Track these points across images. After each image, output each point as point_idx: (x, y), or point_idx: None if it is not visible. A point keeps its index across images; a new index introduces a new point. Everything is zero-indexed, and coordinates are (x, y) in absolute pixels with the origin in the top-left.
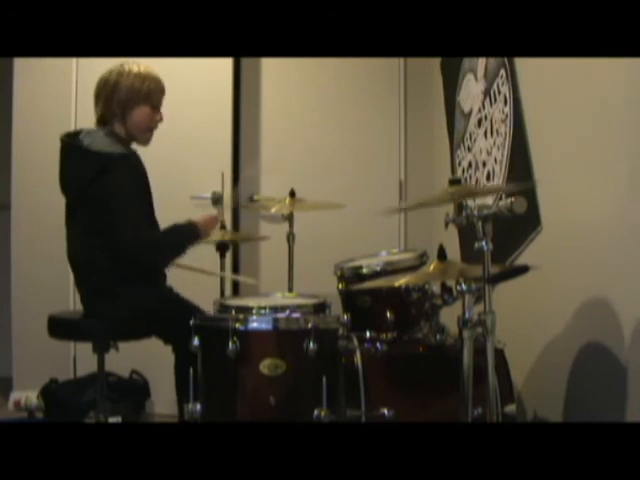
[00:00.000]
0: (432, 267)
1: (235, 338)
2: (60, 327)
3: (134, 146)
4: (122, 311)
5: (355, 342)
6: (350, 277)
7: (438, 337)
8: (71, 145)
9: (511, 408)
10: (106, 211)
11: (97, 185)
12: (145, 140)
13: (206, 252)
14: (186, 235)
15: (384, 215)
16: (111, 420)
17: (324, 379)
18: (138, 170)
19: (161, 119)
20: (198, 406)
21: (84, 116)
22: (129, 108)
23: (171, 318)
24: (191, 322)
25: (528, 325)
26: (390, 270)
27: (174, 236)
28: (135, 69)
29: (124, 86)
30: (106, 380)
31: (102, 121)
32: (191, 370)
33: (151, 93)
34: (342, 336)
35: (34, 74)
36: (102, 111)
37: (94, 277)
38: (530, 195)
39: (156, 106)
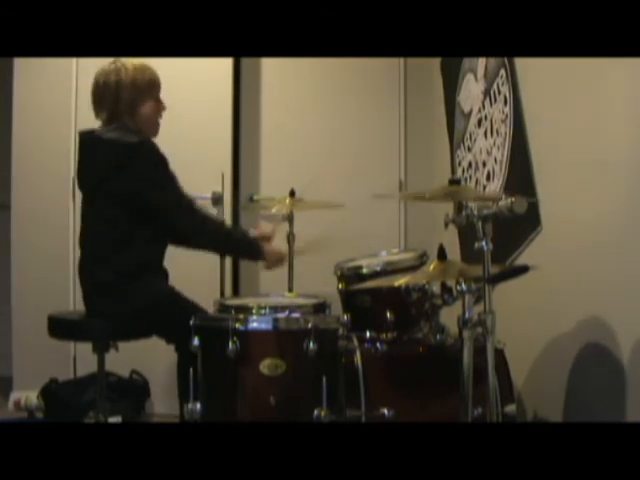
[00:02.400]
0: (432, 267)
1: (235, 338)
2: (60, 327)
3: None
4: (124, 309)
5: (355, 342)
6: (350, 277)
7: (438, 337)
8: (91, 138)
9: (511, 408)
10: (140, 197)
11: (117, 176)
12: (154, 132)
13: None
14: (244, 246)
15: (378, 199)
16: (111, 420)
17: (324, 379)
18: (160, 154)
19: (164, 107)
20: (198, 406)
21: (84, 116)
22: (136, 104)
23: (172, 317)
24: (191, 322)
25: (528, 325)
26: (390, 270)
27: (234, 236)
28: (130, 64)
29: (127, 84)
30: (106, 380)
31: (110, 121)
32: (191, 370)
33: (152, 84)
34: (342, 336)
35: (34, 74)
36: (109, 113)
37: (97, 272)
38: (530, 195)
39: (158, 96)
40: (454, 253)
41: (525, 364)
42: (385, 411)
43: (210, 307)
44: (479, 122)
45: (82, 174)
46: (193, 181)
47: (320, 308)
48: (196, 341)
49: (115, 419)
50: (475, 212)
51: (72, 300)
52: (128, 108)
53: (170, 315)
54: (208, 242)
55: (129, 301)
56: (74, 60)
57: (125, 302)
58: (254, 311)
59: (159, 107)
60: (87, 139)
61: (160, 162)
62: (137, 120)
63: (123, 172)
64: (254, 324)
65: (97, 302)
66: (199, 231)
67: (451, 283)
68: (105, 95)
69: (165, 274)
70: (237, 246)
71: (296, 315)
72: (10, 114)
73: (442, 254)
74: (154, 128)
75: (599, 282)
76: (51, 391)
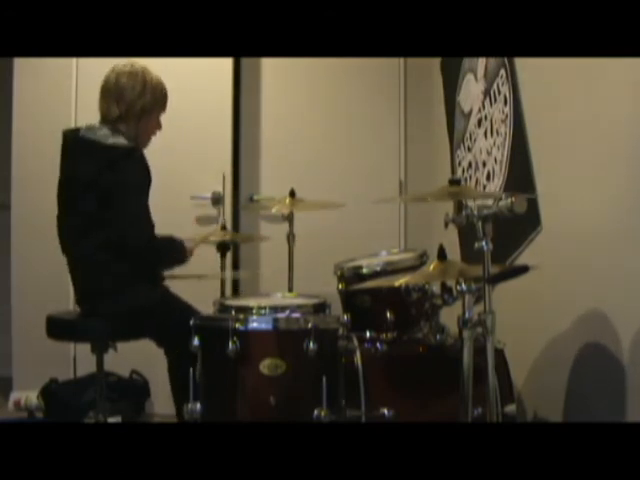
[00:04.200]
0: (432, 267)
1: (235, 338)
2: (58, 327)
3: None
4: (119, 310)
5: (355, 342)
6: (350, 277)
7: (438, 337)
8: (78, 139)
9: (511, 408)
10: (115, 202)
11: (106, 176)
12: (146, 144)
13: (207, 253)
14: (178, 253)
15: (380, 203)
16: (111, 420)
17: (324, 379)
18: (145, 164)
19: (161, 127)
20: (198, 406)
21: (84, 116)
22: (148, 113)
23: (167, 319)
24: (191, 322)
25: (528, 325)
26: (390, 270)
27: (172, 247)
28: (155, 76)
29: (150, 93)
30: (106, 380)
31: (114, 119)
32: (191, 370)
33: (166, 102)
34: (342, 336)
35: (34, 74)
36: (122, 111)
37: (91, 276)
38: (530, 195)
39: (162, 113)
40: (454, 253)
41: (525, 364)
42: (385, 411)
43: (210, 307)
44: (479, 122)
45: (68, 175)
46: (193, 181)
47: (320, 308)
48: (196, 341)
49: (115, 419)
50: (475, 212)
51: (72, 300)
52: (142, 112)
53: (162, 317)
54: (153, 262)
55: (123, 303)
56: (74, 60)
57: (118, 304)
58: (254, 311)
59: (160, 124)
60: (75, 139)
61: (146, 173)
62: (140, 126)
63: (112, 174)
64: (254, 324)
65: (93, 303)
66: (147, 251)
67: (451, 283)
68: (125, 93)
69: (158, 276)
70: (174, 260)
71: (296, 315)
72: (10, 114)
73: (442, 254)
74: (148, 140)
75: (599, 282)
76: (51, 391)
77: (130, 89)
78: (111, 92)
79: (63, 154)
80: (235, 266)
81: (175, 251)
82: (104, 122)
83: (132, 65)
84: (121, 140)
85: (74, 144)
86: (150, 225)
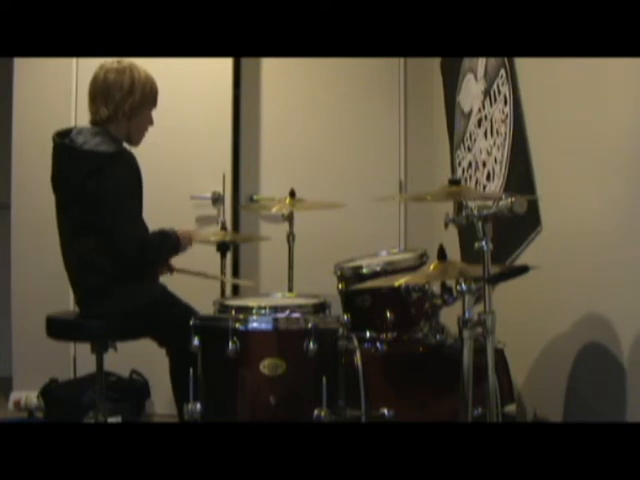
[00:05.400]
0: (432, 267)
1: (235, 338)
2: (58, 327)
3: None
4: (116, 310)
5: (355, 342)
6: (350, 277)
7: (438, 337)
8: (63, 145)
9: (511, 408)
10: (101, 209)
11: (91, 184)
12: (139, 141)
13: (207, 253)
14: (171, 245)
15: (380, 203)
16: (111, 420)
17: (324, 379)
18: (132, 168)
19: (152, 122)
20: (198, 406)
21: (84, 116)
22: (139, 111)
23: (165, 318)
24: (191, 322)
25: (528, 325)
26: (390, 270)
27: (164, 241)
28: (142, 72)
29: (139, 90)
30: (106, 380)
31: (103, 121)
32: (191, 370)
33: (156, 95)
34: (342, 336)
35: (34, 74)
36: (111, 111)
37: (88, 277)
38: (530, 195)
39: (153, 108)
40: (454, 253)
41: (525, 364)
42: (385, 411)
43: (210, 307)
44: (479, 122)
45: (58, 181)
46: (193, 181)
47: (320, 308)
48: (196, 341)
49: (115, 419)
50: (475, 212)
51: (72, 300)
52: (131, 111)
53: (162, 318)
54: (146, 263)
55: (122, 302)
56: (74, 60)
57: (117, 304)
58: (254, 311)
59: (151, 119)
60: (62, 145)
61: (133, 176)
62: (131, 125)
63: (96, 181)
64: (254, 324)
65: (90, 306)
66: (140, 255)
67: (451, 283)
68: (113, 92)
69: (156, 274)
70: (168, 253)
71: (296, 315)
72: (10, 114)
73: (442, 254)
74: (142, 137)
75: (599, 282)
76: (51, 391)
77: (118, 87)
78: (99, 91)
79: (52, 159)
80: (235, 266)
81: (169, 244)
82: (94, 123)
83: (119, 62)
84: (104, 146)
85: (60, 150)
86: (140, 228)
